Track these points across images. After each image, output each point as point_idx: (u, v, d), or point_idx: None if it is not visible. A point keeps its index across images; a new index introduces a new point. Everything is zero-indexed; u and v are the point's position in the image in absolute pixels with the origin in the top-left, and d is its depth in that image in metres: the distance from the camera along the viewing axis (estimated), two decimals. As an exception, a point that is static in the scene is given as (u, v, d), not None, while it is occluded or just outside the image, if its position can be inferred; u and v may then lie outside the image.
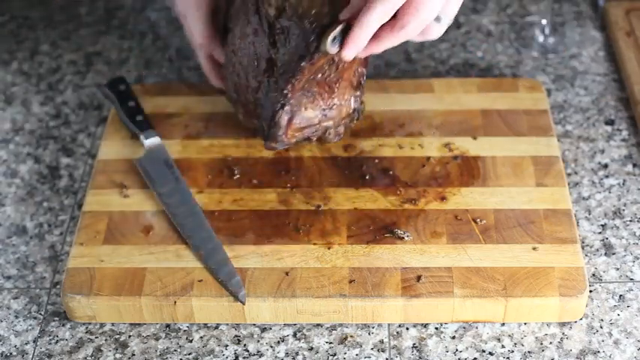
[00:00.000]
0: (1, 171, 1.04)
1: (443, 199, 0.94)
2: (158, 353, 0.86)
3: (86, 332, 0.88)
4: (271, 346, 0.86)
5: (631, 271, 0.91)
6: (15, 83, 1.16)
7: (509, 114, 1.03)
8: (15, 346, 0.87)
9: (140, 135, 1.00)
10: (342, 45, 0.83)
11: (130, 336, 0.88)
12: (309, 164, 0.98)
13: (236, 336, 0.87)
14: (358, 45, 0.82)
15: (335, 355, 0.85)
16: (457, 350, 0.85)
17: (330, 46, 0.83)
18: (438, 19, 0.86)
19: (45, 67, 1.18)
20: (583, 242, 0.93)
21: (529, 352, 0.85)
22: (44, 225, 0.98)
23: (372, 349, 0.86)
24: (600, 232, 0.94)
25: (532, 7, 1.22)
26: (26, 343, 0.88)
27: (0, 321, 0.90)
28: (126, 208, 0.95)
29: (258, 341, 0.87)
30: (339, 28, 0.82)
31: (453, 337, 0.86)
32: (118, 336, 0.88)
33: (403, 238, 0.90)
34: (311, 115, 0.90)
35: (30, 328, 0.89)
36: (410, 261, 0.88)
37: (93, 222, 0.94)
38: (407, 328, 0.87)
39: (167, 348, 0.86)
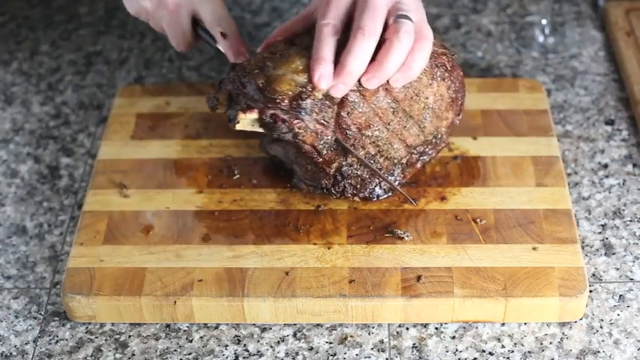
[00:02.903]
0: (1, 171, 1.04)
1: (443, 199, 0.94)
2: (158, 353, 0.86)
3: (86, 332, 0.88)
4: (271, 346, 0.86)
5: (631, 271, 0.91)
6: (15, 83, 1.16)
7: (509, 114, 1.03)
8: (15, 346, 0.87)
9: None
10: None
11: (130, 336, 0.87)
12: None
13: (236, 336, 0.87)
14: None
15: (335, 355, 0.85)
16: (457, 350, 0.85)
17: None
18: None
19: (45, 67, 1.18)
20: (583, 242, 0.93)
21: (529, 352, 0.85)
22: (44, 225, 0.98)
23: (372, 349, 0.86)
24: (600, 232, 0.94)
25: (532, 7, 1.22)
26: (26, 343, 0.88)
27: (0, 321, 0.90)
28: (126, 208, 0.95)
29: (258, 341, 0.87)
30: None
31: (453, 337, 0.86)
32: (118, 336, 0.88)
33: (403, 238, 0.91)
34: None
35: (30, 328, 0.89)
36: (410, 261, 0.88)
37: (93, 222, 0.94)
38: (407, 328, 0.87)
39: (167, 348, 0.86)
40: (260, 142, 0.98)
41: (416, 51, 0.84)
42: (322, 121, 0.86)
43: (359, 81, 0.85)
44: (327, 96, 0.85)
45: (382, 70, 0.84)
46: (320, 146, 0.87)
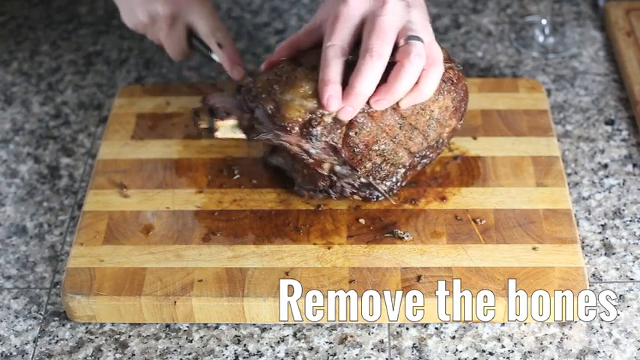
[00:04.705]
0: (1, 171, 1.04)
1: (443, 199, 0.94)
2: (158, 353, 0.86)
3: (86, 332, 0.88)
4: (271, 346, 0.86)
5: (631, 271, 0.91)
6: (15, 83, 1.16)
7: (509, 114, 1.03)
8: (15, 346, 0.87)
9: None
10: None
11: (130, 336, 0.88)
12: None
13: (236, 336, 0.87)
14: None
15: (335, 355, 0.85)
16: (457, 350, 0.85)
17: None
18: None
19: (45, 67, 1.18)
20: (583, 242, 0.93)
21: (529, 352, 0.85)
22: (44, 225, 0.98)
23: (372, 349, 0.86)
24: (600, 232, 0.94)
25: (532, 7, 1.22)
26: (26, 343, 0.88)
27: (0, 321, 0.90)
28: (126, 208, 0.95)
29: (258, 341, 0.87)
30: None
31: (453, 337, 0.86)
32: (118, 336, 0.88)
33: (403, 238, 0.91)
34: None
35: (30, 328, 0.89)
36: (410, 261, 0.88)
37: (93, 222, 0.94)
38: (407, 328, 0.87)
39: (167, 348, 0.86)
40: (264, 154, 0.98)
41: (427, 76, 0.84)
42: (331, 142, 0.86)
43: (368, 102, 0.84)
44: (336, 119, 0.85)
45: (392, 92, 0.83)
46: (306, 145, 0.87)
